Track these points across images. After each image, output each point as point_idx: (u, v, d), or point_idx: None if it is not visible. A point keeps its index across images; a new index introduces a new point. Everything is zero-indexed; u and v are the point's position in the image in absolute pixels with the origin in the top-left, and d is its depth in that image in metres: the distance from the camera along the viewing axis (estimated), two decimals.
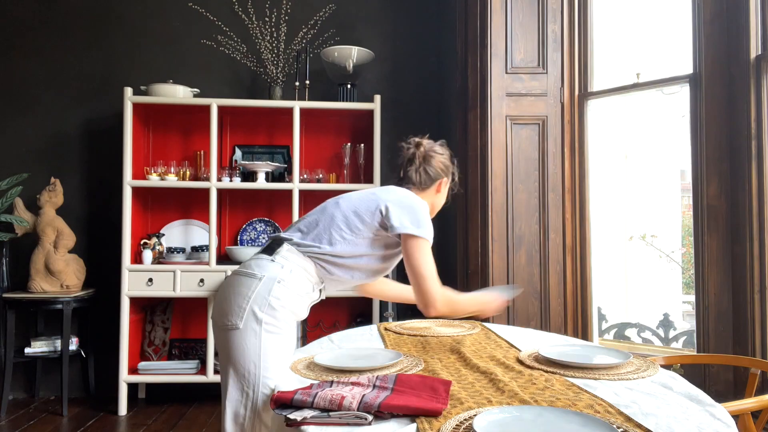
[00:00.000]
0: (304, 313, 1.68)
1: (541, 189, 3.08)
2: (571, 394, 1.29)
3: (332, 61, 3.72)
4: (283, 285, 1.58)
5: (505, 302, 1.88)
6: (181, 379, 3.46)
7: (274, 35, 3.85)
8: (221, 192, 3.65)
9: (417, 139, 1.93)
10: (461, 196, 3.30)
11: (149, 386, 3.75)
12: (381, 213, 1.67)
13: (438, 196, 1.93)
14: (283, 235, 1.71)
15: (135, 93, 3.51)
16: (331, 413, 1.16)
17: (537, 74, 3.10)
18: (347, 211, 1.69)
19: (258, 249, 1.97)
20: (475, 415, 1.12)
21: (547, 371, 1.47)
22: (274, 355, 1.55)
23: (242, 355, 1.53)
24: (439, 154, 1.92)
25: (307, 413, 1.17)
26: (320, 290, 1.73)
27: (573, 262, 3.07)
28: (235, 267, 2.36)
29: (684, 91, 2.66)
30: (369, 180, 3.66)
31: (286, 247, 1.65)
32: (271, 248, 1.66)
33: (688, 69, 2.60)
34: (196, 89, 3.66)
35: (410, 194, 1.78)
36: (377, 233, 1.68)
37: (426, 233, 1.66)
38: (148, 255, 3.48)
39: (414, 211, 1.69)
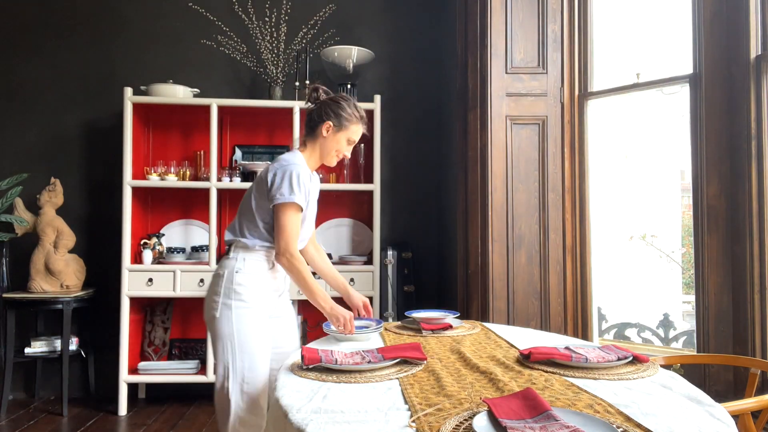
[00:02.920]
0: (275, 283, 2.03)
1: (541, 189, 3.08)
2: (571, 394, 1.29)
3: (332, 61, 3.72)
4: (242, 273, 1.95)
5: (340, 317, 1.96)
6: (181, 379, 3.46)
7: (274, 35, 3.85)
8: (221, 192, 3.65)
9: (314, 85, 2.12)
10: (461, 196, 3.30)
11: (149, 386, 3.75)
12: (269, 195, 1.94)
13: (324, 140, 2.07)
14: (228, 238, 2.04)
15: (135, 93, 3.51)
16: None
17: (537, 74, 3.10)
18: (251, 202, 2.00)
19: None
20: (475, 415, 1.12)
21: (546, 371, 1.47)
22: (247, 329, 1.92)
23: (221, 335, 1.92)
24: (327, 100, 2.07)
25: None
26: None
27: (573, 262, 3.07)
28: None
29: (684, 91, 2.66)
30: (369, 180, 3.65)
31: (235, 245, 2.01)
32: (228, 249, 2.04)
33: (688, 69, 2.60)
34: (196, 89, 3.66)
35: (283, 164, 1.95)
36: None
37: (291, 197, 1.88)
38: (148, 255, 3.48)
39: (283, 181, 1.91)
